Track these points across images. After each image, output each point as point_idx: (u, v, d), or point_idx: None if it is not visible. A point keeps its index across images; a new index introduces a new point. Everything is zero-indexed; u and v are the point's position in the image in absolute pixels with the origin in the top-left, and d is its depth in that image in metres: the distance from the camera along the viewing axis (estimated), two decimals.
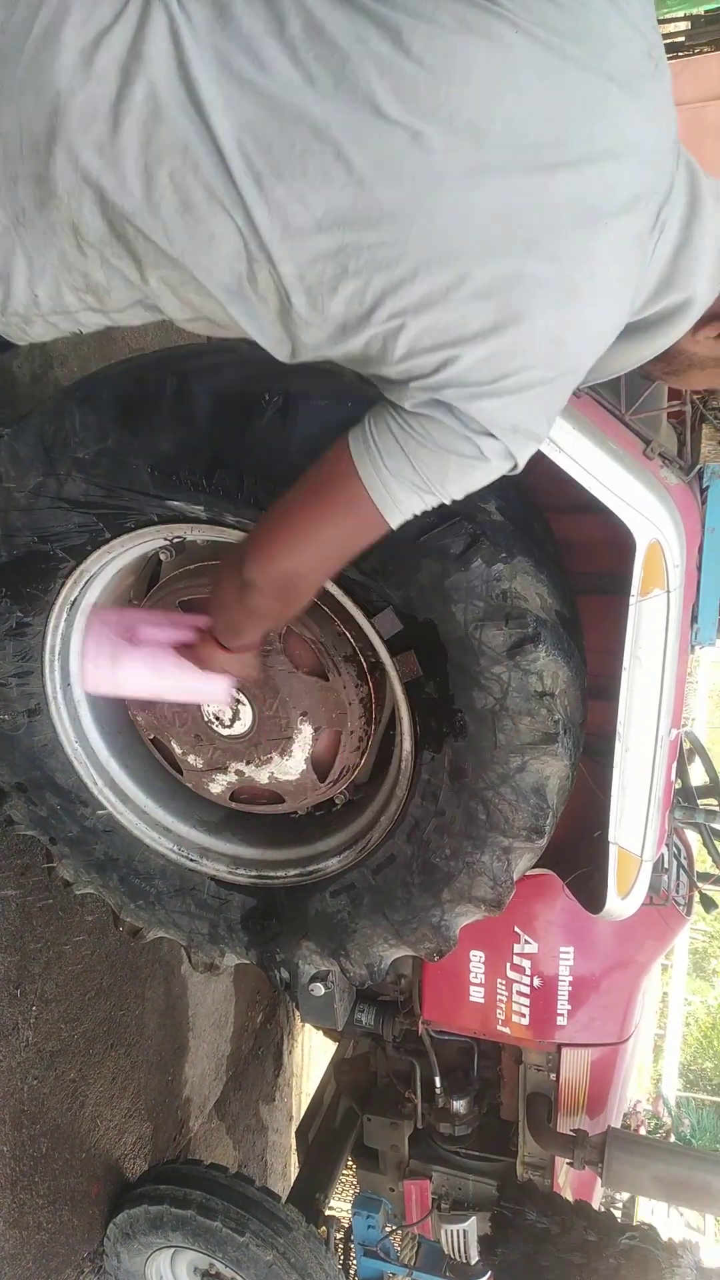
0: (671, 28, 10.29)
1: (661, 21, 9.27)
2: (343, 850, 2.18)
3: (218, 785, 2.14)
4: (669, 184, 1.09)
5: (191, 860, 2.33)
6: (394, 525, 1.21)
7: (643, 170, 1.06)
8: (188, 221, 1.10)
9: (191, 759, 2.13)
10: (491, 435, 1.11)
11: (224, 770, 2.11)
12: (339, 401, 1.67)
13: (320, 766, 2.06)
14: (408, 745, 1.93)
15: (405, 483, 1.16)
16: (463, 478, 1.17)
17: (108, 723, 2.29)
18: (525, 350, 1.08)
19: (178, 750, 2.14)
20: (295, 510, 1.27)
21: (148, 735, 2.18)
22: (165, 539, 2.02)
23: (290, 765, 2.04)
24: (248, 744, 2.05)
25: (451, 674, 1.78)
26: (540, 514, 1.87)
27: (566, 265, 1.04)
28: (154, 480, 1.80)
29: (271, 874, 2.28)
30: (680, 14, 8.70)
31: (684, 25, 9.86)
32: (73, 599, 2.08)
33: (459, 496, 1.19)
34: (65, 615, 2.10)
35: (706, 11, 8.60)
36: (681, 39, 10.41)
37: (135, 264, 1.18)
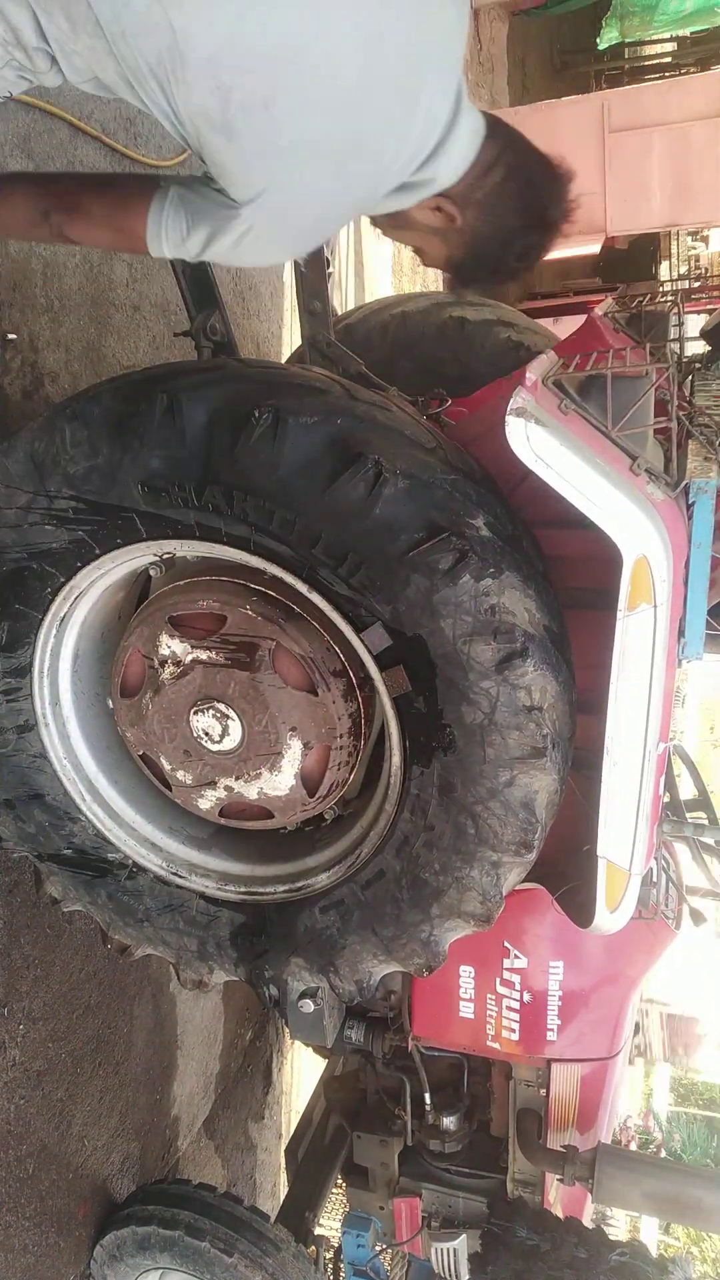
0: (658, 48, 10.47)
1: (648, 42, 9.43)
2: (332, 866, 2.18)
3: (207, 801, 2.13)
4: (457, 91, 1.48)
5: (180, 876, 2.32)
6: (151, 254, 1.59)
7: (450, 78, 1.47)
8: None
9: (180, 775, 2.12)
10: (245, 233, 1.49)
11: (213, 786, 2.10)
12: (328, 418, 1.68)
13: (309, 782, 2.06)
14: (397, 760, 1.93)
15: (171, 242, 1.55)
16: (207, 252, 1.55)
17: (97, 739, 2.29)
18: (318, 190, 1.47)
19: (167, 766, 2.13)
20: (98, 215, 1.61)
21: (137, 751, 2.18)
22: (155, 555, 2.02)
23: (279, 781, 2.04)
24: (237, 759, 2.04)
25: (440, 689, 1.79)
26: (528, 530, 1.88)
27: (387, 137, 1.43)
28: (144, 496, 1.81)
29: (260, 890, 2.27)
30: (667, 35, 8.85)
31: (670, 46, 10.02)
32: (62, 615, 2.08)
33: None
34: (55, 631, 2.10)
35: (692, 34, 8.75)
36: (668, 59, 10.58)
37: (69, 26, 1.38)
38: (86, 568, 1.98)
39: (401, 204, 1.55)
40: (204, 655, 1.99)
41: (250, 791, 2.08)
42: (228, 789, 2.09)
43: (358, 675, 2.01)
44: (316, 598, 1.85)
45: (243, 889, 2.29)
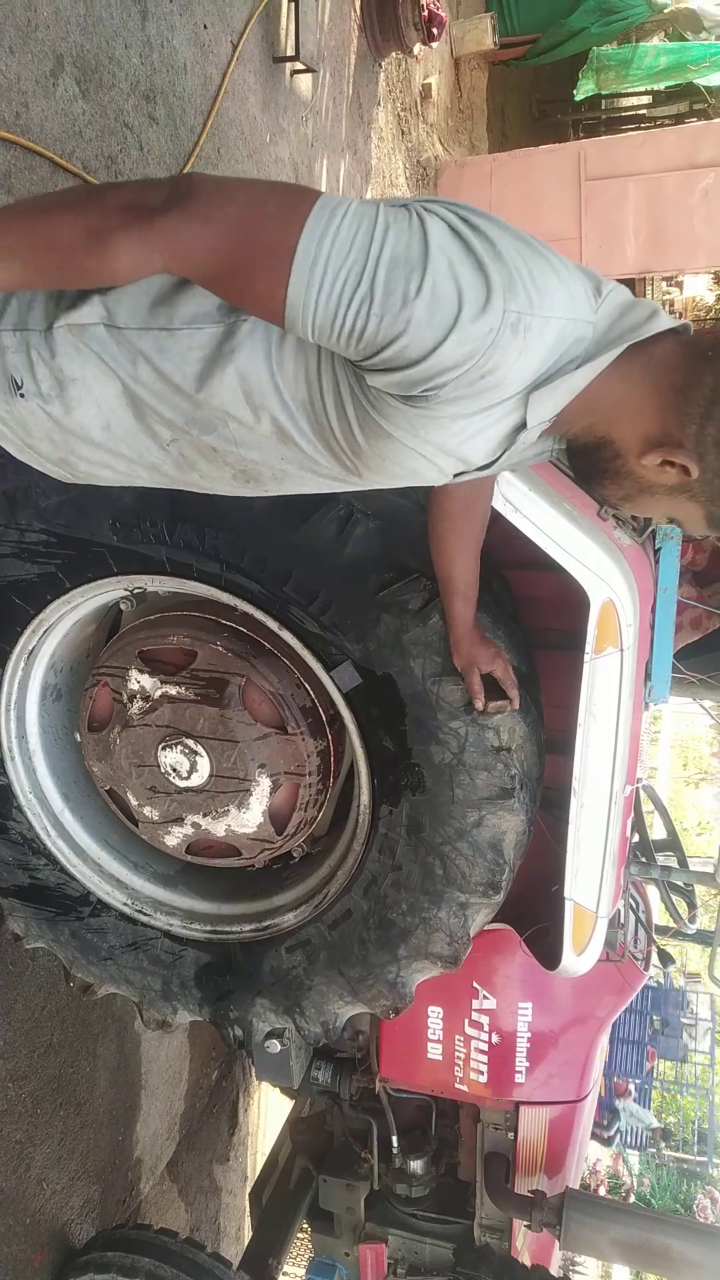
0: (634, 100, 10.74)
1: (623, 94, 9.68)
2: (299, 905, 2.16)
3: (174, 838, 2.11)
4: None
5: (145, 914, 2.29)
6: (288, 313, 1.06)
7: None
8: None
9: (147, 811, 2.10)
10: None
11: (180, 822, 2.09)
12: None
13: (278, 819, 2.05)
14: (365, 798, 1.93)
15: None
16: None
17: (63, 773, 2.27)
18: None
19: (134, 802, 2.11)
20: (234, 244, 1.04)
21: (103, 786, 2.16)
22: (126, 590, 2.02)
23: (247, 818, 2.03)
24: (205, 796, 2.03)
25: (409, 728, 1.79)
26: (498, 571, 1.90)
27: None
28: (115, 531, 1.81)
29: (226, 929, 2.25)
30: (642, 89, 9.09)
31: (645, 99, 10.29)
32: (31, 648, 2.07)
33: None
34: (23, 664, 2.09)
35: (667, 88, 8.99)
36: (643, 111, 10.86)
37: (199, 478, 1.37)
38: (56, 601, 1.97)
39: (627, 338, 1.15)
40: (173, 690, 1.99)
41: (218, 828, 2.06)
42: (195, 826, 2.08)
43: (327, 713, 2.01)
44: (287, 635, 1.85)
45: (208, 927, 2.27)
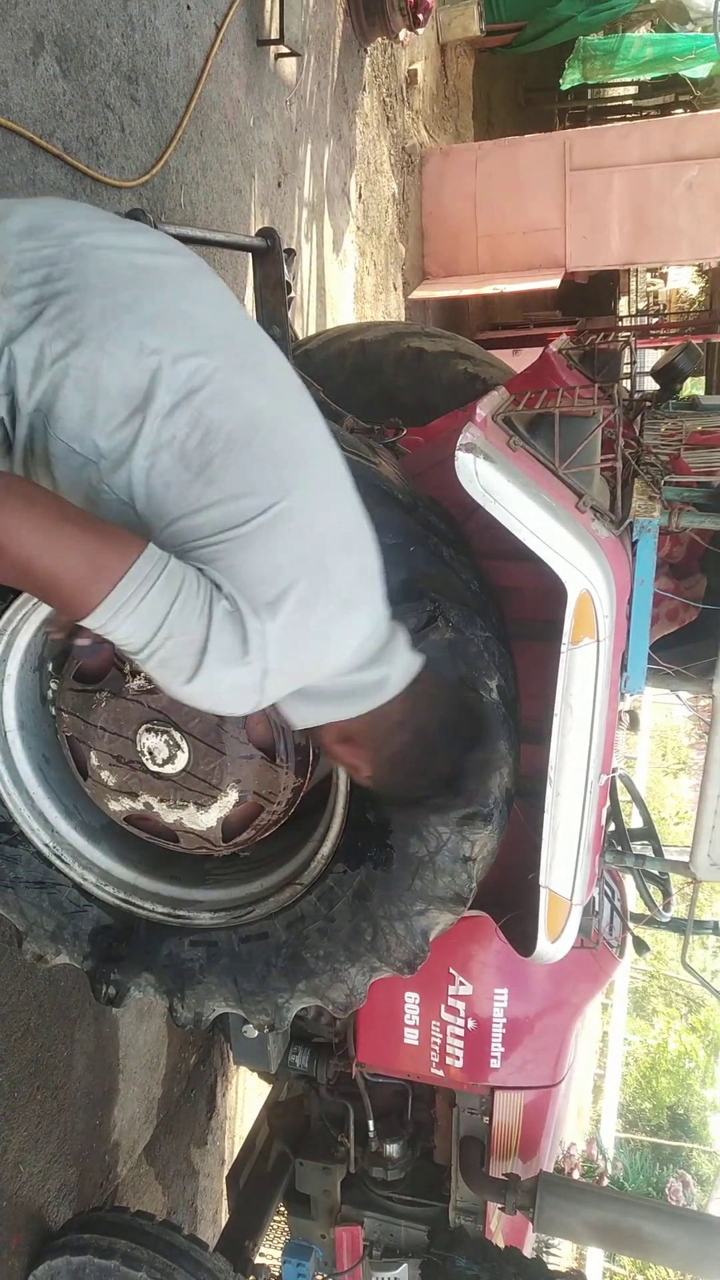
0: (620, 91, 10.72)
1: (610, 84, 9.66)
2: (219, 910, 2.21)
3: (119, 805, 2.11)
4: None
5: (62, 861, 2.29)
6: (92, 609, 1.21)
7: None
8: None
9: (104, 774, 2.10)
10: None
11: (134, 797, 2.09)
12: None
13: (228, 830, 2.08)
14: (326, 850, 2.00)
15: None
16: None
17: (26, 701, 2.24)
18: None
19: (93, 761, 2.10)
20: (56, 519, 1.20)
21: (65, 733, 2.14)
22: None
23: (202, 819, 2.05)
24: (169, 786, 2.03)
25: (399, 815, 1.88)
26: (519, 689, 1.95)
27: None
28: None
29: (138, 903, 2.28)
30: (629, 79, 9.09)
31: (632, 89, 10.27)
32: None
33: None
34: (35, 603, 2.02)
35: (653, 79, 8.99)
36: (629, 102, 10.84)
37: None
38: None
39: (348, 710, 1.46)
40: None
41: (169, 816, 2.08)
42: (147, 805, 2.09)
43: (314, 753, 2.05)
44: None
45: (121, 895, 2.29)
